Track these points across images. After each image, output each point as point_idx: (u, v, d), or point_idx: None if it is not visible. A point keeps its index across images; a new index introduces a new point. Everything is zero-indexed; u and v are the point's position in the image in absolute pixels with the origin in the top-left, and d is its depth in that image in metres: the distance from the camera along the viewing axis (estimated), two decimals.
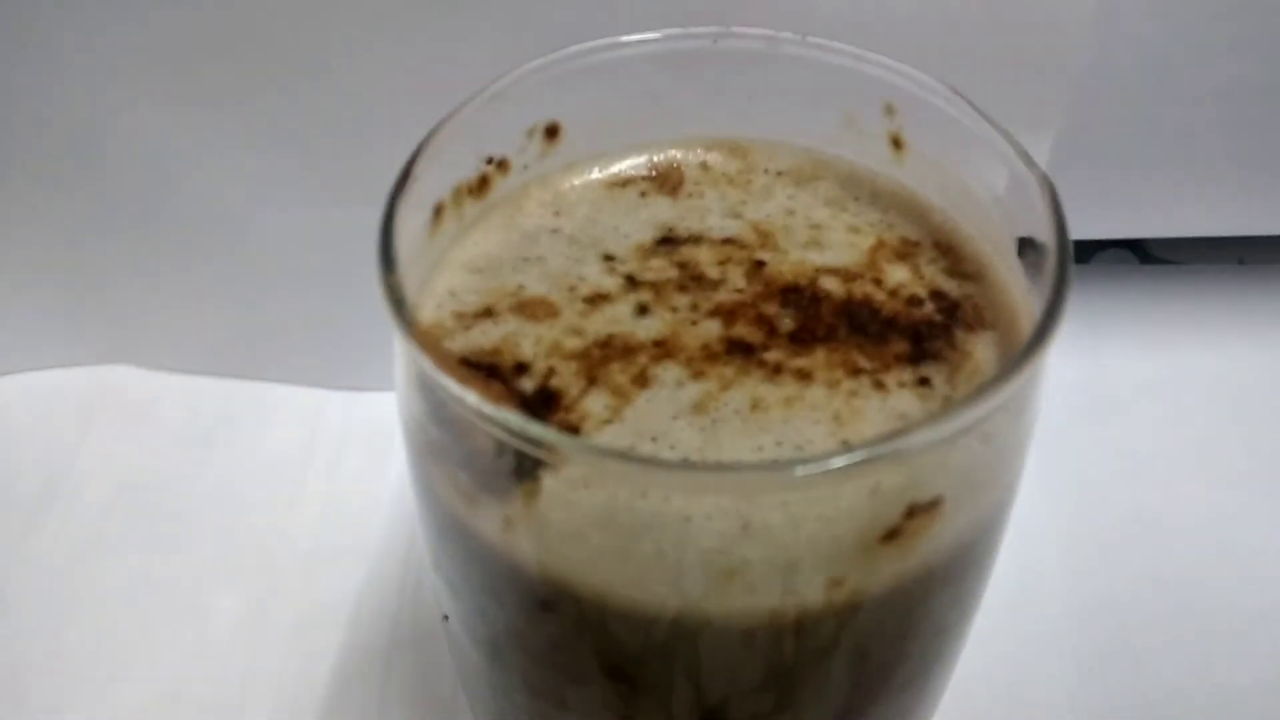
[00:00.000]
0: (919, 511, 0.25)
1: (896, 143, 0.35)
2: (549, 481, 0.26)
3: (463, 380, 0.25)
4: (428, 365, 0.26)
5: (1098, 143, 0.58)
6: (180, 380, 0.61)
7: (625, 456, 0.25)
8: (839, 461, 0.23)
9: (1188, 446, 0.59)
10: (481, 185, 0.34)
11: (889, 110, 0.34)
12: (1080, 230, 0.65)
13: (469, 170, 0.34)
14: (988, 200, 0.32)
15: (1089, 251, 0.71)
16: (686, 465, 0.27)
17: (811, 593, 0.26)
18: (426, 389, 0.27)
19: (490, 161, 0.34)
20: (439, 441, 0.28)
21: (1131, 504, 0.56)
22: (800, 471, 0.23)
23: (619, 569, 0.26)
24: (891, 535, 0.26)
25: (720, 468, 0.27)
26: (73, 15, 0.49)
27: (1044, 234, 0.28)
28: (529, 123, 0.35)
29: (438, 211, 0.33)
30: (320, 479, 0.57)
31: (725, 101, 0.36)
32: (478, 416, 0.25)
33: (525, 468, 0.26)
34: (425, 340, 0.26)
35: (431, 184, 0.32)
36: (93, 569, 0.53)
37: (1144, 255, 0.71)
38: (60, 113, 0.53)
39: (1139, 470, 0.58)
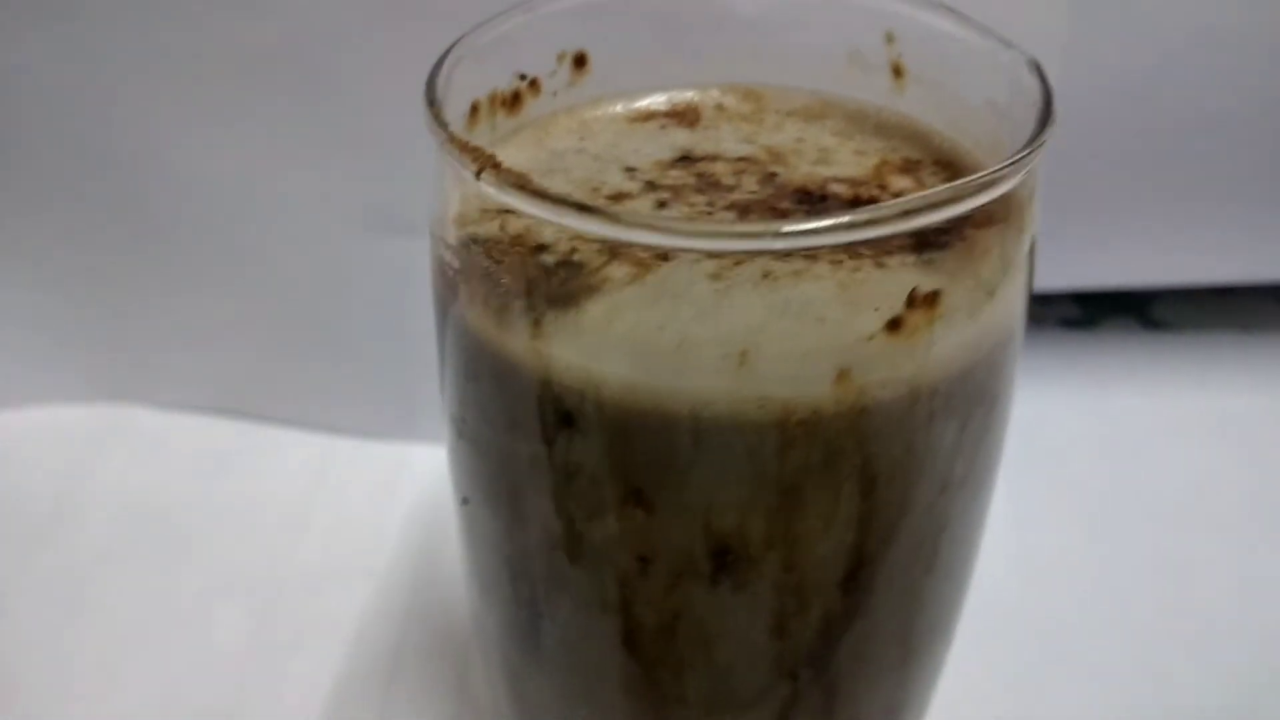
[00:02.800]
0: (919, 301, 0.27)
1: (897, 71, 0.38)
2: (577, 286, 0.28)
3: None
4: (467, 165, 0.28)
5: (1091, 192, 0.61)
6: (190, 420, 0.63)
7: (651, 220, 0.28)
8: (824, 223, 0.25)
9: (1191, 493, 0.61)
10: (515, 100, 0.37)
11: (889, 38, 0.37)
12: (1077, 279, 0.67)
13: (503, 81, 0.37)
14: (982, 105, 0.35)
15: (1094, 317, 0.74)
16: (703, 221, 0.30)
17: (820, 386, 0.27)
18: (465, 201, 0.29)
19: (523, 78, 0.37)
20: (471, 261, 0.30)
21: (1144, 545, 0.58)
22: (786, 228, 0.25)
23: (639, 364, 0.28)
24: (894, 325, 0.27)
25: (726, 222, 0.30)
26: (90, 38, 0.52)
27: (1032, 95, 0.31)
28: (559, 48, 0.38)
29: (474, 110, 0.36)
30: (326, 520, 0.58)
31: (739, 44, 0.39)
32: (520, 198, 0.27)
33: (560, 263, 0.28)
34: (466, 146, 0.28)
35: (469, 78, 0.34)
36: (95, 588, 0.54)
37: (1149, 322, 0.74)
38: (72, 147, 0.55)
39: (1146, 514, 0.60)
